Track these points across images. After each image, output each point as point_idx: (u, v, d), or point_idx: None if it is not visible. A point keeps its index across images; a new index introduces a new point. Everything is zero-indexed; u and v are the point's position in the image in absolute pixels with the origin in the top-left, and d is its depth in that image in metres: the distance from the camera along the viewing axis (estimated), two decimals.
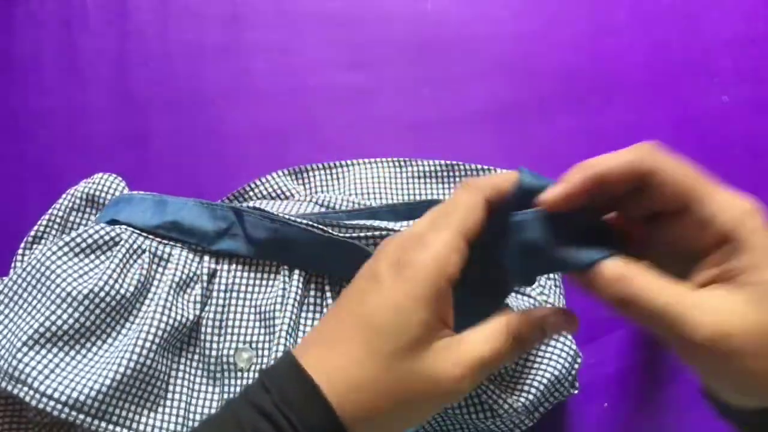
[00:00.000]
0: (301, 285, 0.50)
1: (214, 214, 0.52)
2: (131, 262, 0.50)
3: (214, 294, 0.51)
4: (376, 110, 0.64)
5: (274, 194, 0.58)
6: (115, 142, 0.63)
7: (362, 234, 0.49)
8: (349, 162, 0.60)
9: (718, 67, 0.64)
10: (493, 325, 0.33)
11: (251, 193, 0.58)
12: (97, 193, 0.56)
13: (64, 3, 0.66)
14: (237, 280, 0.51)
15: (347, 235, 0.49)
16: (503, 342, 0.32)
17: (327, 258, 0.50)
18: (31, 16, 0.66)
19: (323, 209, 0.54)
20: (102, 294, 0.48)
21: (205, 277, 0.51)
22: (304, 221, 0.50)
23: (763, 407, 0.29)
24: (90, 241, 0.50)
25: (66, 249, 0.50)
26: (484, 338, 0.32)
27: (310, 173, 0.60)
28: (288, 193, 0.58)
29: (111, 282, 0.48)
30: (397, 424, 0.32)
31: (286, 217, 0.51)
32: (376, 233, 0.49)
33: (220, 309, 0.51)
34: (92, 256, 0.50)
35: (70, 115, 0.64)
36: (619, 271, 0.30)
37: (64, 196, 0.56)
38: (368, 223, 0.50)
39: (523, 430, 0.52)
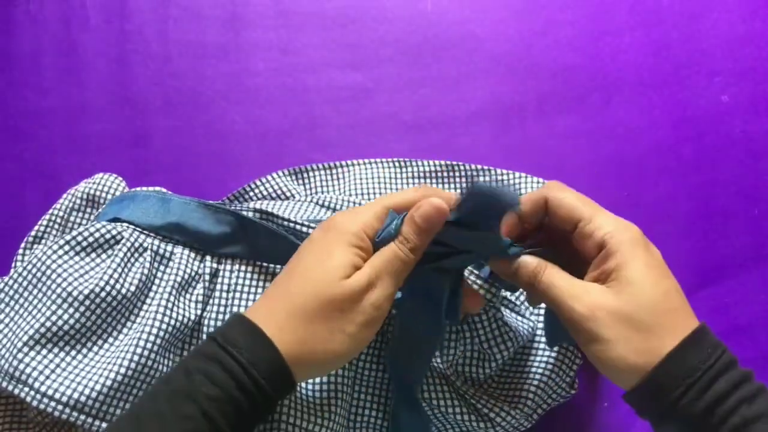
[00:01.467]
0: None
1: (218, 218, 0.52)
2: (132, 260, 0.50)
3: (216, 294, 0.51)
4: (376, 110, 0.64)
5: (274, 194, 0.58)
6: (115, 142, 0.63)
7: None
8: (349, 162, 0.60)
9: (718, 67, 0.65)
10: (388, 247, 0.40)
11: (251, 194, 0.58)
12: (98, 193, 0.56)
13: (64, 3, 0.66)
14: (239, 281, 0.51)
15: None
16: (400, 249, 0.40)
17: None
18: (31, 16, 0.66)
19: (324, 209, 0.54)
20: (103, 294, 0.48)
21: (207, 277, 0.51)
22: (314, 227, 0.50)
23: (635, 386, 0.37)
24: (91, 239, 0.50)
25: (67, 248, 0.50)
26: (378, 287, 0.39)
27: (310, 173, 0.60)
28: (288, 194, 0.58)
29: (112, 282, 0.48)
30: (332, 346, 0.38)
31: (297, 222, 0.50)
32: None
33: (222, 309, 0.51)
34: (93, 255, 0.50)
35: (69, 115, 0.64)
36: (536, 263, 0.41)
37: (64, 195, 0.56)
38: None
39: (522, 431, 0.52)
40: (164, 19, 0.66)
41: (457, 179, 0.59)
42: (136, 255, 0.50)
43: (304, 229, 0.50)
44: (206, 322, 0.50)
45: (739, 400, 0.35)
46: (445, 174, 0.59)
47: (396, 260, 0.40)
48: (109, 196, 0.55)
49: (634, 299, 0.37)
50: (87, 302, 0.47)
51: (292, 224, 0.50)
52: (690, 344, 0.36)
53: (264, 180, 0.58)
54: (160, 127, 0.63)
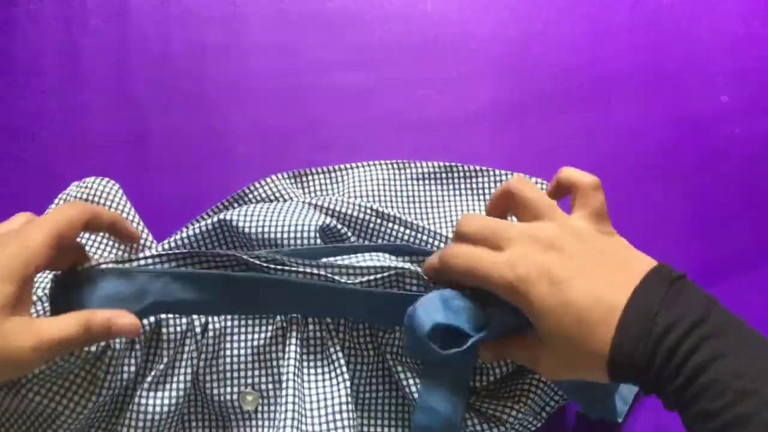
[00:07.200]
0: (299, 321, 0.49)
1: (201, 285, 0.47)
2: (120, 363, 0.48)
3: (209, 341, 0.49)
4: (376, 110, 0.64)
5: (273, 197, 0.57)
6: (115, 142, 0.63)
7: (378, 276, 0.47)
8: (348, 165, 0.60)
9: (718, 67, 0.64)
10: (72, 317, 0.40)
11: (250, 196, 0.58)
12: (90, 198, 0.54)
13: (64, 3, 0.66)
14: (229, 323, 0.49)
15: (362, 280, 0.47)
16: (74, 331, 0.39)
17: (331, 304, 0.48)
18: (31, 16, 0.66)
19: (318, 211, 0.53)
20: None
21: (198, 329, 0.49)
22: (308, 270, 0.47)
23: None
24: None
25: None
26: (59, 325, 0.39)
27: (310, 177, 0.59)
28: (287, 197, 0.57)
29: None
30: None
31: (304, 263, 0.47)
32: (392, 273, 0.47)
33: (213, 355, 0.49)
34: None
35: (70, 115, 0.64)
36: (490, 353, 0.44)
37: (56, 201, 0.55)
38: (382, 264, 0.47)
39: (532, 431, 0.52)
40: (164, 19, 0.66)
41: (457, 180, 0.59)
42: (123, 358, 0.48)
43: (316, 270, 0.47)
44: (202, 371, 0.49)
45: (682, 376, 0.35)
46: (444, 175, 0.59)
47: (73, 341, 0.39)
48: (102, 201, 0.53)
49: (550, 347, 0.40)
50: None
51: (300, 267, 0.47)
52: (617, 357, 0.36)
53: (263, 182, 0.58)
54: (160, 127, 0.63)
